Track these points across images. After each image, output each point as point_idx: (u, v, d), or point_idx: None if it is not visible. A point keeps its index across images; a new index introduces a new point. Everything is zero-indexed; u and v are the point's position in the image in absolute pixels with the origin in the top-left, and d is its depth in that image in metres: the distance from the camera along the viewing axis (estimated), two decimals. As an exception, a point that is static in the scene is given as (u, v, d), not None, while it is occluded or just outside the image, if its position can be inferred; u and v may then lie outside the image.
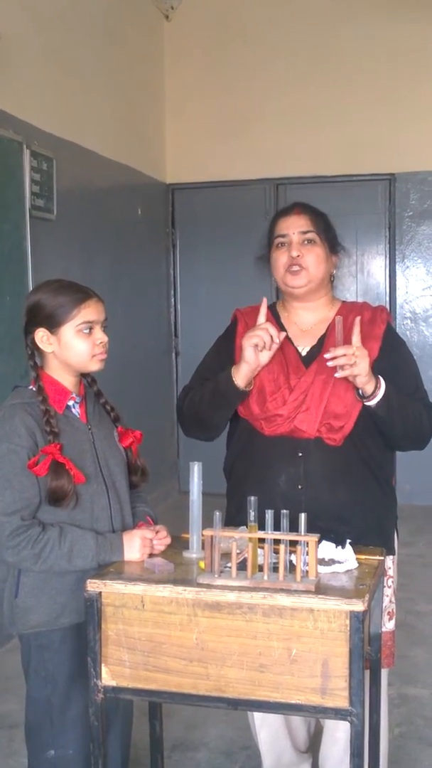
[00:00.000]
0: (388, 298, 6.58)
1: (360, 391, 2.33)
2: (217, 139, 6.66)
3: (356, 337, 2.29)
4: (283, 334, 2.36)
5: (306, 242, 2.47)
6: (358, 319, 2.34)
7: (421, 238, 6.49)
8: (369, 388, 2.31)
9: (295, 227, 2.48)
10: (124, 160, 5.85)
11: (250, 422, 2.44)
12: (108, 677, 2.02)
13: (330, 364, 2.27)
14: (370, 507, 2.42)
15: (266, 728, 2.63)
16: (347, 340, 2.30)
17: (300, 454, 2.38)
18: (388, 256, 6.57)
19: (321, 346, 2.45)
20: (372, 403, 2.33)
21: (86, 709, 2.06)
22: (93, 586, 2.00)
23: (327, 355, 2.27)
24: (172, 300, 6.92)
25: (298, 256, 2.45)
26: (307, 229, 2.48)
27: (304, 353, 2.47)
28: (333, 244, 2.53)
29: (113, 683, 2.02)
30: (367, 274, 6.62)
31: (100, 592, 1.99)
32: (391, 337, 2.50)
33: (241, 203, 6.54)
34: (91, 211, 5.30)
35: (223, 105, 6.63)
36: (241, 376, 2.36)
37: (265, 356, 2.33)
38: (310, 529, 1.99)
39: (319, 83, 6.45)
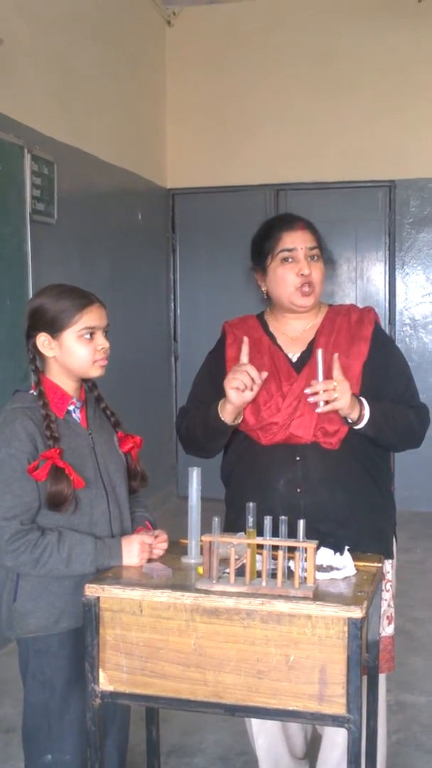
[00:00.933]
0: (387, 305, 6.58)
1: (347, 418, 2.34)
2: (217, 144, 6.67)
3: (337, 372, 2.29)
4: (264, 373, 2.33)
5: (312, 258, 2.46)
6: (336, 355, 2.32)
7: (421, 245, 6.50)
8: (354, 416, 2.33)
9: (302, 242, 2.45)
10: (125, 164, 5.86)
11: (246, 433, 2.45)
12: (105, 682, 2.02)
13: (311, 400, 2.28)
14: (368, 510, 2.43)
15: (263, 734, 2.63)
16: (327, 373, 2.30)
17: (298, 459, 2.39)
18: (387, 262, 6.58)
19: (310, 351, 2.45)
20: (359, 427, 2.35)
21: (83, 713, 2.06)
22: (91, 590, 2.00)
23: (307, 390, 2.28)
24: (172, 305, 6.92)
25: (310, 273, 2.43)
26: (313, 245, 2.47)
27: (294, 359, 2.48)
28: (327, 258, 2.54)
29: (111, 688, 2.02)
30: (367, 280, 6.63)
31: (98, 597, 2.00)
32: (380, 336, 2.51)
33: (242, 209, 6.55)
34: (92, 215, 5.30)
35: (224, 110, 6.65)
36: (227, 414, 2.38)
37: (248, 395, 2.32)
38: (309, 533, 1.99)
39: (319, 90, 6.46)
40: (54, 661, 2.19)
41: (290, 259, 2.44)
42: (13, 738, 3.14)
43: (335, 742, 2.53)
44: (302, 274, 2.43)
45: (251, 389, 2.31)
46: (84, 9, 5.15)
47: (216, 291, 6.61)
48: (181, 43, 6.69)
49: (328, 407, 2.27)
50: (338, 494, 2.38)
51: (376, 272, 6.62)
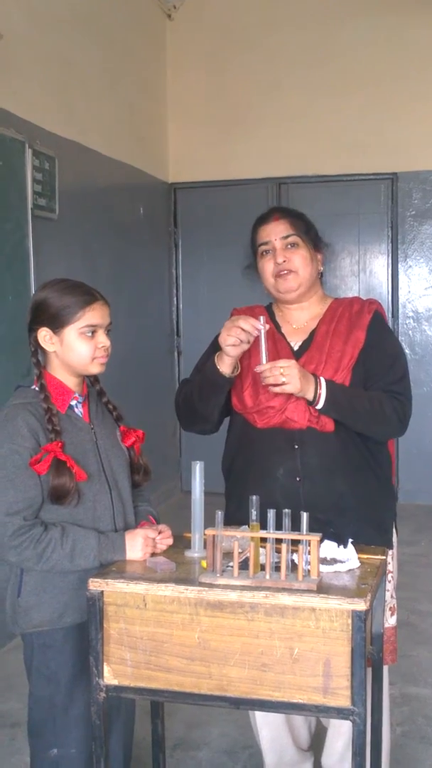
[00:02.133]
0: (390, 298, 6.57)
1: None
2: (219, 138, 6.66)
3: (283, 361, 2.32)
4: (267, 326, 2.35)
5: (289, 246, 2.50)
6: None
7: (424, 238, 6.48)
8: (309, 396, 2.35)
9: (275, 233, 2.51)
10: (127, 159, 5.86)
11: (244, 416, 2.47)
12: (110, 676, 2.02)
13: (263, 382, 2.32)
14: (368, 498, 2.44)
15: (267, 727, 2.64)
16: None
17: (296, 447, 2.40)
18: (390, 255, 6.57)
19: (311, 339, 2.50)
20: (318, 407, 2.37)
21: (88, 708, 2.06)
22: (95, 585, 2.00)
23: (256, 369, 2.33)
24: (175, 299, 6.92)
25: (284, 261, 2.48)
26: (288, 233, 2.51)
27: (296, 348, 2.52)
28: (316, 243, 2.56)
29: (115, 682, 2.02)
30: (370, 273, 6.62)
31: (102, 591, 2.00)
32: (377, 324, 2.52)
33: (244, 203, 6.53)
34: (94, 210, 5.30)
35: (225, 104, 6.63)
36: (225, 365, 2.40)
37: (246, 345, 2.35)
38: (309, 522, 1.99)
39: (321, 83, 6.44)
40: (58, 656, 2.19)
41: (268, 252, 2.51)
42: (19, 732, 3.14)
43: (340, 731, 2.55)
44: (277, 263, 2.48)
45: (247, 342, 2.34)
46: (84, 3, 5.14)
47: (218, 285, 6.60)
48: (182, 36, 6.67)
49: (278, 389, 2.31)
50: (337, 482, 2.40)
51: (378, 265, 6.61)
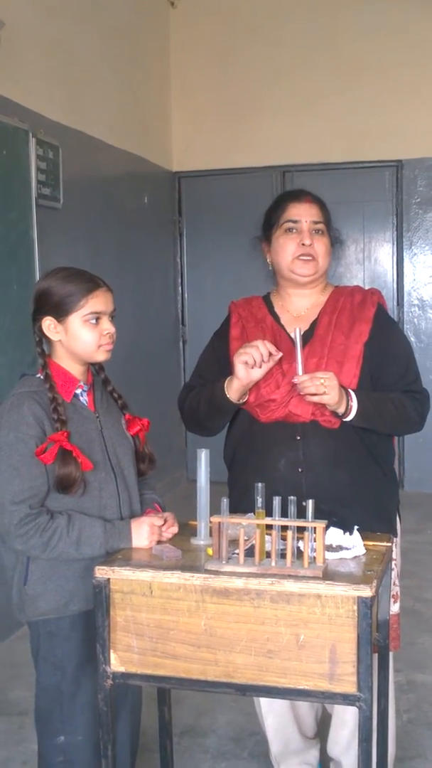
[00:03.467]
0: (395, 286, 6.56)
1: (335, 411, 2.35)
2: (223, 126, 6.63)
3: (323, 372, 2.30)
4: (280, 354, 2.35)
5: (316, 232, 2.48)
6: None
7: (429, 225, 6.46)
8: (341, 409, 2.34)
9: (307, 215, 2.48)
10: (131, 148, 5.84)
11: (246, 410, 2.46)
12: (117, 663, 2.03)
13: (300, 392, 2.30)
14: (370, 489, 2.44)
15: (272, 715, 2.64)
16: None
17: (298, 438, 2.39)
18: (395, 243, 6.55)
19: (313, 330, 2.47)
20: (347, 419, 2.36)
21: (95, 695, 2.07)
22: (101, 572, 2.00)
23: (294, 380, 2.30)
24: (179, 288, 6.91)
25: (311, 244, 2.45)
26: (319, 219, 2.50)
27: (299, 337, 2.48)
28: (334, 237, 2.56)
29: (122, 669, 2.03)
30: (375, 261, 6.61)
31: (108, 579, 2.00)
32: (382, 318, 2.50)
33: (248, 191, 6.52)
34: (98, 199, 5.29)
35: (229, 92, 6.61)
36: (233, 391, 2.39)
37: (257, 373, 2.33)
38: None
39: (325, 70, 6.42)
40: (65, 644, 2.20)
41: (294, 230, 2.48)
42: (27, 720, 3.16)
43: (344, 720, 2.55)
44: (303, 244, 2.45)
45: (260, 366, 2.32)
46: (87, -9, 5.12)
47: (223, 274, 6.59)
48: (185, 24, 6.64)
49: (316, 399, 2.29)
50: (339, 473, 2.39)
51: (383, 253, 6.59)
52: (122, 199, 5.72)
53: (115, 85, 5.62)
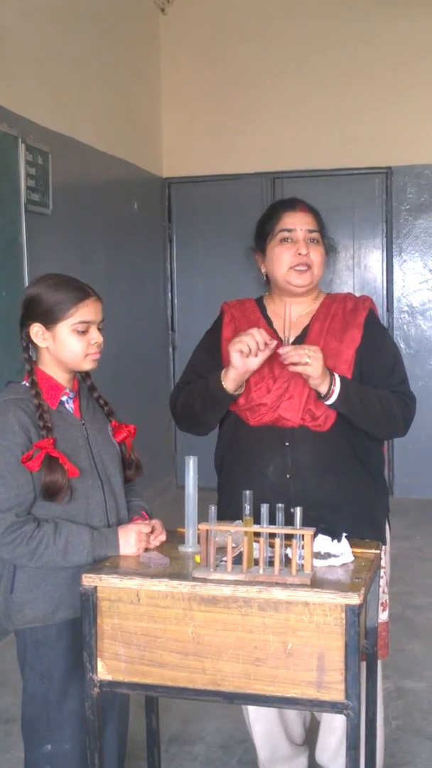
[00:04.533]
0: (385, 292, 6.58)
1: (319, 393, 2.35)
2: (213, 132, 6.65)
3: (309, 346, 2.31)
4: (274, 342, 2.33)
5: (311, 241, 2.47)
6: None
7: (418, 232, 6.48)
8: (323, 389, 2.32)
9: (303, 224, 2.46)
10: (120, 154, 5.84)
11: (236, 413, 2.45)
12: (104, 671, 2.02)
13: (284, 361, 2.29)
14: (359, 495, 2.43)
15: (260, 722, 2.64)
16: (314, 342, 2.36)
17: (287, 444, 2.38)
18: (385, 249, 6.56)
19: (305, 336, 2.46)
20: (329, 402, 2.34)
21: (82, 703, 2.06)
22: (89, 580, 2.00)
23: (279, 350, 2.29)
24: (169, 294, 6.91)
25: (307, 254, 2.44)
26: (314, 228, 2.48)
27: (288, 343, 2.47)
28: (329, 246, 2.55)
29: (109, 677, 2.02)
30: (364, 267, 6.62)
31: (95, 587, 1.99)
32: (372, 323, 2.50)
33: (238, 197, 6.53)
34: (87, 205, 5.29)
35: (219, 98, 6.62)
36: (229, 381, 2.37)
37: (253, 362, 2.32)
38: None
39: (315, 76, 6.43)
40: (52, 652, 2.19)
41: (289, 240, 2.46)
42: (14, 728, 3.14)
43: (333, 727, 2.54)
44: (299, 254, 2.44)
45: (255, 355, 2.31)
46: (77, -3, 5.12)
47: (213, 280, 6.60)
48: (176, 30, 6.65)
49: (299, 369, 2.28)
50: (328, 479, 2.38)
51: (373, 259, 6.60)
52: (112, 205, 5.72)
53: (105, 91, 5.62)
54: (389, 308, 6.54)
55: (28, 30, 4.48)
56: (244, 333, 2.33)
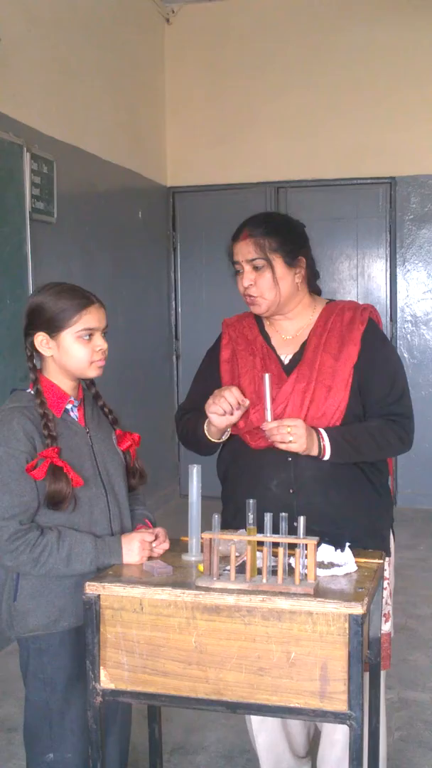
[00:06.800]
0: (388, 302, 6.57)
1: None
2: (217, 142, 6.66)
3: (290, 420, 2.29)
4: (248, 402, 2.35)
5: (254, 269, 2.42)
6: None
7: (422, 242, 6.49)
8: (314, 453, 2.33)
9: (244, 254, 2.43)
10: (125, 163, 5.86)
11: (236, 434, 2.46)
12: (107, 680, 2.01)
13: (268, 439, 2.30)
14: (363, 509, 2.42)
15: (264, 733, 2.62)
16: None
17: (290, 459, 2.37)
18: (388, 259, 6.57)
19: (302, 353, 2.45)
20: (324, 459, 2.35)
21: (85, 712, 2.06)
22: (92, 588, 1.99)
23: (262, 426, 2.30)
24: (173, 303, 6.92)
25: (250, 286, 2.42)
26: (254, 257, 2.41)
27: (286, 361, 2.47)
28: (291, 254, 2.43)
29: (112, 686, 2.02)
30: (368, 277, 6.62)
31: (98, 595, 1.99)
32: (371, 337, 2.45)
33: (242, 207, 6.49)
34: (92, 214, 5.30)
35: (223, 108, 6.64)
36: (212, 433, 2.42)
37: (232, 418, 2.35)
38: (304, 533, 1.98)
39: (319, 87, 6.45)
40: (55, 660, 2.19)
41: (240, 271, 2.46)
42: (16, 737, 3.13)
43: (333, 739, 2.52)
44: (243, 286, 2.44)
45: (231, 414, 2.33)
46: (83, 7, 5.15)
47: (217, 289, 6.60)
48: (180, 40, 6.68)
49: (283, 446, 2.29)
50: (332, 494, 2.37)
51: (377, 269, 6.61)
52: (116, 214, 5.73)
53: (110, 100, 5.64)
54: (393, 318, 6.54)
55: (34, 40, 4.50)
56: (218, 394, 2.34)
